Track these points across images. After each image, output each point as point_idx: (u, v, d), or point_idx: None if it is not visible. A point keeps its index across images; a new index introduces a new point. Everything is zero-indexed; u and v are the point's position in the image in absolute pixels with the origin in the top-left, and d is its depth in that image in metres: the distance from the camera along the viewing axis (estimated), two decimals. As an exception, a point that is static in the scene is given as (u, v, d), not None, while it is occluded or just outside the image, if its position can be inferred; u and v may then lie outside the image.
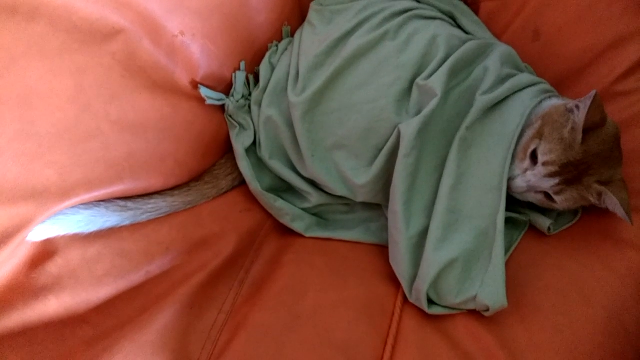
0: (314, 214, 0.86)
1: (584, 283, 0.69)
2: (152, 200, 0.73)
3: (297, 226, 0.83)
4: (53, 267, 0.61)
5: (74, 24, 0.61)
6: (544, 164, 0.70)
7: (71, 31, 0.61)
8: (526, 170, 0.72)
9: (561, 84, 0.85)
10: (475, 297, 0.66)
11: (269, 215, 0.85)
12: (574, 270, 0.71)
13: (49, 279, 0.61)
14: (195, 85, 0.78)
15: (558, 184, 0.70)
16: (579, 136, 0.68)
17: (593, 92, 0.66)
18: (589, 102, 0.66)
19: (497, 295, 0.65)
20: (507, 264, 0.70)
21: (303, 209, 0.84)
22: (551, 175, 0.70)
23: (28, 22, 0.57)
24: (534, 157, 0.71)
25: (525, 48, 0.88)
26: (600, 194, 0.70)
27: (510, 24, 0.90)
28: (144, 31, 0.68)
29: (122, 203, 0.70)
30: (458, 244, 0.69)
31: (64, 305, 0.61)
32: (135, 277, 0.67)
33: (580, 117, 0.68)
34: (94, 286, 0.64)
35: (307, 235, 0.83)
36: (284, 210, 0.83)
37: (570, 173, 0.69)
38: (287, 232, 0.84)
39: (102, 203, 0.67)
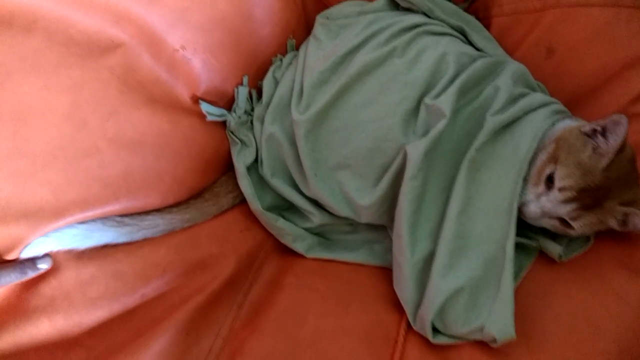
0: (316, 234, 0.84)
1: (595, 314, 0.66)
2: (149, 217, 0.71)
3: (298, 247, 0.81)
4: (46, 289, 0.60)
5: (71, 37, 0.60)
6: (560, 189, 0.68)
7: (68, 45, 0.60)
8: (540, 195, 0.70)
9: (575, 103, 0.82)
10: (482, 328, 0.63)
11: (270, 235, 0.83)
12: (585, 301, 0.68)
13: (41, 300, 0.59)
14: (195, 100, 0.77)
15: (575, 209, 0.68)
16: (606, 162, 0.66)
17: (624, 119, 0.64)
18: (622, 129, 0.64)
19: (505, 326, 0.62)
20: (516, 292, 0.67)
21: (305, 229, 0.82)
22: (568, 200, 0.68)
23: (24, 36, 0.56)
24: (549, 182, 0.69)
25: (538, 65, 0.85)
26: (626, 216, 0.68)
27: (523, 40, 0.87)
28: (144, 45, 0.67)
29: (118, 219, 0.68)
30: (465, 271, 0.66)
31: (57, 327, 0.59)
32: (130, 300, 0.65)
33: (612, 143, 0.66)
34: (87, 309, 0.62)
35: (309, 255, 0.81)
36: (285, 230, 0.81)
37: (589, 198, 0.67)
38: (288, 253, 0.82)
39: (98, 218, 0.66)
